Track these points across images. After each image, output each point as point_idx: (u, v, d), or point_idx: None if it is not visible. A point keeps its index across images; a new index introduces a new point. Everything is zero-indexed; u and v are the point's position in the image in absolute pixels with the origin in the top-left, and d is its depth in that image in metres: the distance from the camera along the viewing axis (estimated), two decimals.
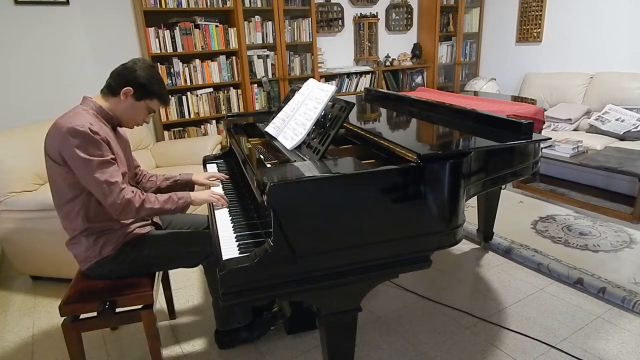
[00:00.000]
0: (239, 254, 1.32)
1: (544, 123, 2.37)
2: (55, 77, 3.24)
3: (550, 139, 2.24)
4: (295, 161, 1.45)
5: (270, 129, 1.87)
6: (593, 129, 3.68)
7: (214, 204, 1.66)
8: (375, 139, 1.61)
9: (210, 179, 1.91)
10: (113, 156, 1.49)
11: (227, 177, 1.96)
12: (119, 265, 1.57)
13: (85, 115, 1.46)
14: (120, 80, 1.52)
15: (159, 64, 3.51)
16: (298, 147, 1.61)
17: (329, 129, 1.52)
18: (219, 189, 1.86)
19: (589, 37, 4.15)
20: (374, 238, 1.27)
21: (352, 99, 2.68)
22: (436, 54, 4.91)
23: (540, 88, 4.40)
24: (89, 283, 1.57)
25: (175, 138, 3.75)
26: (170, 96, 3.54)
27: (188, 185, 1.90)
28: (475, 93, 3.81)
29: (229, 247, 1.36)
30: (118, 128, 1.67)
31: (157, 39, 3.42)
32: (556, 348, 1.82)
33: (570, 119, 3.83)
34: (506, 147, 1.69)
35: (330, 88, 1.66)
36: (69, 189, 1.50)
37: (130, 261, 1.58)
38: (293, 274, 1.22)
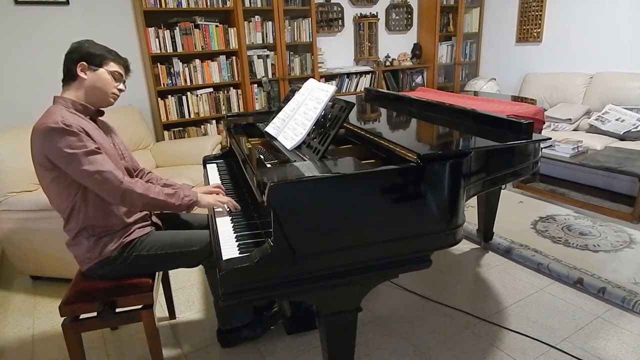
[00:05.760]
0: (239, 254, 1.32)
1: (544, 123, 2.37)
2: (55, 77, 3.17)
3: (550, 139, 2.24)
4: (295, 161, 1.45)
5: (270, 129, 1.87)
6: (593, 129, 3.68)
7: (218, 208, 1.63)
8: (375, 139, 1.61)
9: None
10: (97, 145, 1.47)
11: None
12: (120, 266, 1.57)
13: (56, 112, 1.46)
14: (71, 60, 1.55)
15: (159, 63, 3.51)
16: (298, 147, 1.61)
17: (329, 129, 1.52)
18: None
19: (589, 37, 4.15)
20: (374, 238, 1.27)
21: (352, 99, 2.68)
22: (436, 54, 4.91)
23: (540, 88, 4.40)
24: (89, 283, 1.56)
25: (175, 138, 3.75)
26: (170, 95, 3.61)
27: None
28: (475, 93, 3.81)
29: (229, 247, 1.36)
30: (107, 124, 1.69)
31: (157, 39, 3.42)
32: (556, 348, 1.82)
33: (570, 119, 3.83)
34: (506, 147, 1.69)
35: (330, 88, 1.66)
36: (64, 191, 1.49)
37: (130, 262, 1.57)
38: (293, 274, 1.22)
